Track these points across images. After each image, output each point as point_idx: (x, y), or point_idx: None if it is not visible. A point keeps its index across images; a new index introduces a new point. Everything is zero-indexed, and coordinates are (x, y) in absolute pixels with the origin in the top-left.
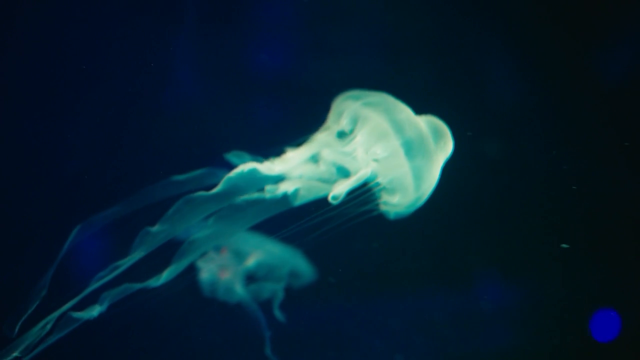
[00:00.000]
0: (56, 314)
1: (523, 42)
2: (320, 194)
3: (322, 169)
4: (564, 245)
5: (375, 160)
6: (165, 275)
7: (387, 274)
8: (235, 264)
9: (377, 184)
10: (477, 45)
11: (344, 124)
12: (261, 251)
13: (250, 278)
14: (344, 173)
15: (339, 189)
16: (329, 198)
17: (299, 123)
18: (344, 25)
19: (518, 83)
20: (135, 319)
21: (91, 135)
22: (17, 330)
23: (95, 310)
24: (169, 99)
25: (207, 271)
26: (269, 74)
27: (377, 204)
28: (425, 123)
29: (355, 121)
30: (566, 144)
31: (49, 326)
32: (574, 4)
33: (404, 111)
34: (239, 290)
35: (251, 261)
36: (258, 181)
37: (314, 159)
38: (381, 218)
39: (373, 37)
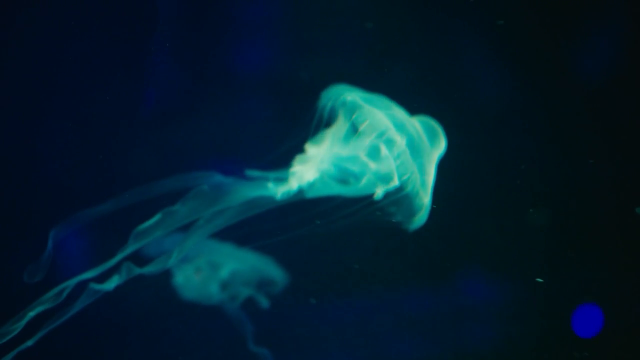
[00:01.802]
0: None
1: (507, 41)
2: (327, 194)
3: (328, 171)
4: (539, 280)
5: (383, 159)
6: (144, 277)
7: (372, 273)
8: (211, 271)
9: (388, 184)
10: (461, 46)
11: (348, 126)
12: (236, 259)
13: (225, 285)
14: (351, 175)
15: (350, 191)
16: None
17: (292, 126)
18: (328, 26)
19: (501, 83)
20: (110, 321)
21: (74, 138)
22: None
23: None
24: (156, 101)
25: (183, 277)
26: (256, 75)
27: (386, 205)
28: (418, 123)
29: (359, 123)
30: (551, 143)
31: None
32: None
33: (400, 112)
34: (216, 295)
35: (226, 269)
36: (237, 192)
37: (320, 160)
38: (368, 216)
39: (359, 37)
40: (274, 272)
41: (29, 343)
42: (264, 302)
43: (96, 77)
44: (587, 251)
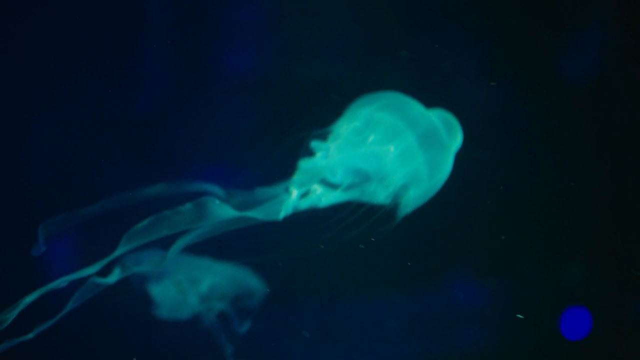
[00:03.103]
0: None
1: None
2: (339, 200)
3: (338, 175)
4: (519, 316)
5: (391, 157)
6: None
7: (363, 275)
8: (191, 285)
9: (393, 180)
10: (451, 46)
11: (358, 128)
12: (215, 272)
13: (205, 298)
14: (361, 177)
15: (360, 193)
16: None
17: (295, 130)
18: (320, 27)
19: (490, 81)
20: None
21: (63, 140)
22: None
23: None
24: (147, 104)
25: (162, 291)
26: (255, 79)
27: (391, 198)
28: (435, 116)
29: (368, 124)
30: (539, 143)
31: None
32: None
33: (415, 106)
34: (195, 308)
35: (205, 283)
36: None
37: (328, 166)
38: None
39: (350, 37)
40: (254, 283)
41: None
42: (246, 314)
43: (88, 78)
44: (579, 254)
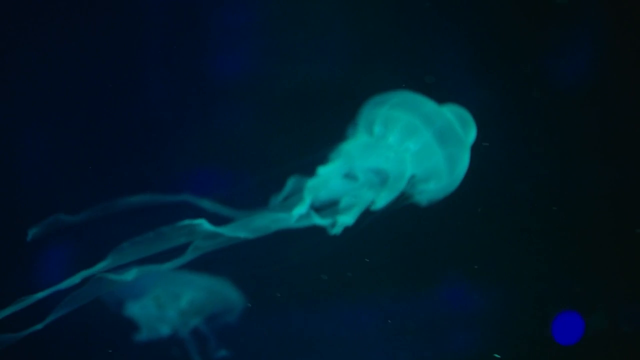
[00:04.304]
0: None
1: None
2: (363, 204)
3: (359, 178)
4: (496, 356)
5: (410, 155)
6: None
7: (355, 280)
8: (171, 300)
9: (414, 176)
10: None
11: (374, 129)
12: (195, 286)
13: (185, 313)
14: (383, 177)
15: (384, 194)
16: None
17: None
18: (320, 28)
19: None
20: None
21: (56, 146)
22: None
23: None
24: (143, 109)
25: (142, 307)
26: (256, 83)
27: (411, 194)
28: (449, 111)
29: (385, 124)
30: (532, 146)
31: None
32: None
33: (427, 103)
34: (175, 323)
35: (185, 298)
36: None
37: (348, 170)
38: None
39: (350, 38)
40: (233, 294)
41: None
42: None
43: (84, 82)
44: (572, 258)
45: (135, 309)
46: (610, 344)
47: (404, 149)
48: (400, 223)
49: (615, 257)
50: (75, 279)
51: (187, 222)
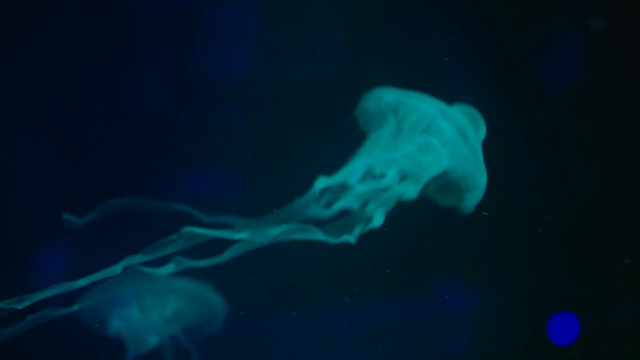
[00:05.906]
0: None
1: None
2: (391, 200)
3: (382, 177)
4: None
5: (434, 152)
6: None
7: (350, 281)
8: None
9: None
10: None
11: (393, 127)
12: (180, 293)
13: (170, 321)
14: (407, 174)
15: (413, 188)
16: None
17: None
18: (319, 29)
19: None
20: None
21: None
22: None
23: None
24: (141, 111)
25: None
26: (257, 84)
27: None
28: (459, 111)
29: (403, 122)
30: (528, 149)
31: None
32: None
33: (439, 103)
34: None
35: (170, 305)
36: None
37: (370, 169)
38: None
39: (350, 39)
40: (216, 299)
41: None
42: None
43: (84, 82)
44: (566, 260)
45: (118, 323)
46: (605, 345)
47: (427, 145)
48: (396, 225)
49: (611, 257)
50: (71, 285)
51: (182, 228)
